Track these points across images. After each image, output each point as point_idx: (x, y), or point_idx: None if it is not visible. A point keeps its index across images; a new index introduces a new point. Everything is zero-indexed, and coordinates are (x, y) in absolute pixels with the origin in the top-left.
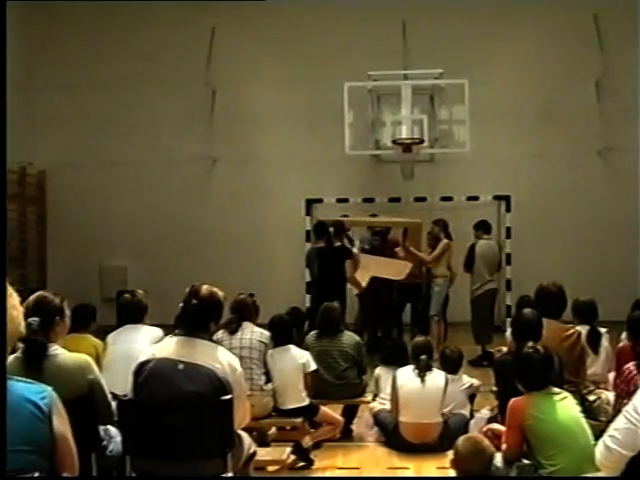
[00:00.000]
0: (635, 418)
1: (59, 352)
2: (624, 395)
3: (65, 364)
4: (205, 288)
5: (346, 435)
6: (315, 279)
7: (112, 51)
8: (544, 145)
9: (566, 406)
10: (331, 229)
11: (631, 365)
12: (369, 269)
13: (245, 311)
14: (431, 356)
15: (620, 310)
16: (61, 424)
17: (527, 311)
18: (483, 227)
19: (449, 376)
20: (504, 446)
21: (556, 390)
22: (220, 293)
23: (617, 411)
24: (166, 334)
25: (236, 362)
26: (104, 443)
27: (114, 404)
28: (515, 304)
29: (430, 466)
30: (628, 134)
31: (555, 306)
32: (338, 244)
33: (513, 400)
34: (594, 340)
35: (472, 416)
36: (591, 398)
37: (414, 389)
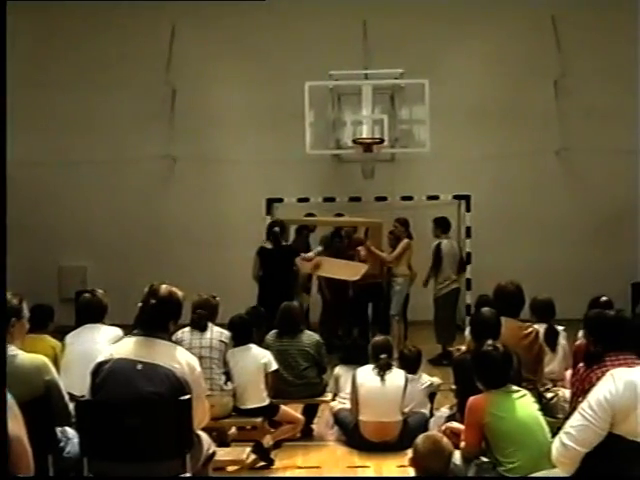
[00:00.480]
0: (590, 415)
1: (16, 353)
2: (579, 393)
3: (22, 365)
4: (164, 288)
5: (306, 434)
6: (259, 279)
7: (72, 50)
8: (503, 145)
9: (524, 404)
10: (276, 229)
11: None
12: (324, 270)
13: (208, 311)
14: (391, 355)
15: (579, 308)
16: (15, 426)
17: (485, 310)
18: (442, 225)
19: (409, 375)
20: (463, 444)
21: (514, 388)
22: (179, 293)
23: (573, 408)
24: (126, 334)
25: (195, 362)
26: (61, 444)
27: (72, 405)
28: (474, 303)
29: (390, 465)
30: (585, 134)
31: (513, 305)
32: (285, 244)
33: (472, 399)
34: (552, 338)
35: (432, 415)
36: (549, 395)
37: (374, 388)
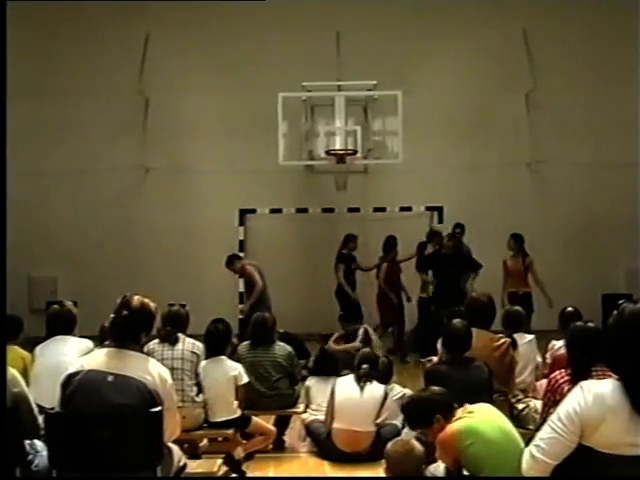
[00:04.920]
0: (559, 427)
1: None
2: (550, 404)
3: None
4: (136, 299)
5: (278, 446)
6: None
7: (43, 59)
8: (475, 157)
9: (491, 422)
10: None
11: (557, 374)
12: None
13: (179, 323)
14: (375, 367)
15: (550, 319)
16: None
17: (457, 322)
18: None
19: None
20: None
21: (472, 408)
22: (152, 304)
23: (543, 419)
24: (97, 346)
25: (167, 374)
26: (29, 457)
27: (41, 417)
28: (446, 315)
29: (362, 475)
30: (556, 147)
31: (485, 316)
32: None
33: (440, 436)
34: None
35: (404, 426)
36: (520, 406)
37: (352, 397)
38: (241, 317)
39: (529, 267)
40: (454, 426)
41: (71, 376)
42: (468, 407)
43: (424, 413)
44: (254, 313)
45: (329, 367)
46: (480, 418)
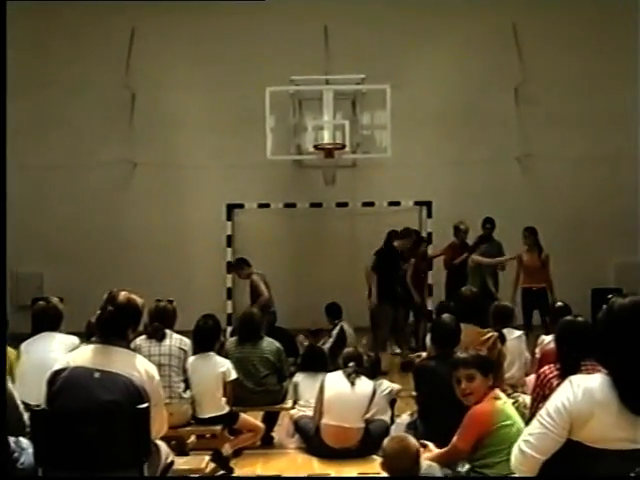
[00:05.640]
0: (548, 422)
1: None
2: (540, 399)
3: None
4: (123, 294)
5: (267, 442)
6: None
7: (28, 51)
8: (464, 151)
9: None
10: None
11: (546, 369)
12: None
13: (166, 318)
14: (360, 365)
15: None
16: None
17: (446, 316)
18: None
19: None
20: (452, 448)
21: (499, 394)
22: (138, 299)
23: (532, 414)
24: (83, 342)
25: (154, 370)
26: (15, 455)
27: (26, 415)
28: (435, 310)
29: (351, 471)
30: (546, 141)
31: (473, 311)
32: None
33: (480, 407)
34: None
35: (393, 421)
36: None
37: (342, 392)
38: (230, 312)
39: (546, 262)
40: (494, 404)
41: (57, 373)
42: (497, 392)
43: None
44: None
45: (317, 363)
46: (509, 405)
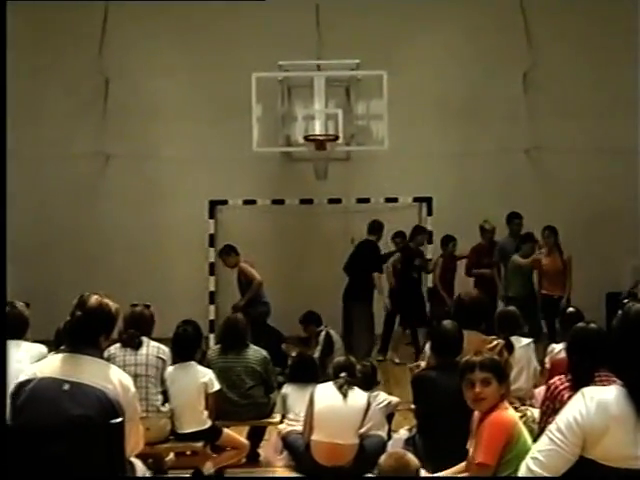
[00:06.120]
0: (558, 438)
1: None
2: (549, 413)
3: None
4: (94, 298)
5: (252, 460)
6: None
7: None
8: (468, 143)
9: None
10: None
11: (557, 380)
12: None
13: (142, 325)
14: (353, 375)
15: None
16: None
17: (446, 323)
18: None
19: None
20: (477, 468)
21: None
22: (111, 304)
23: (541, 429)
24: (51, 351)
25: (129, 381)
26: None
27: None
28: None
29: None
30: (557, 132)
31: (475, 317)
32: None
33: (503, 416)
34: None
35: (390, 437)
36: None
37: (333, 406)
38: (212, 318)
39: (567, 265)
40: (514, 414)
41: (22, 385)
42: (507, 403)
43: None
44: (250, 309)
45: (308, 373)
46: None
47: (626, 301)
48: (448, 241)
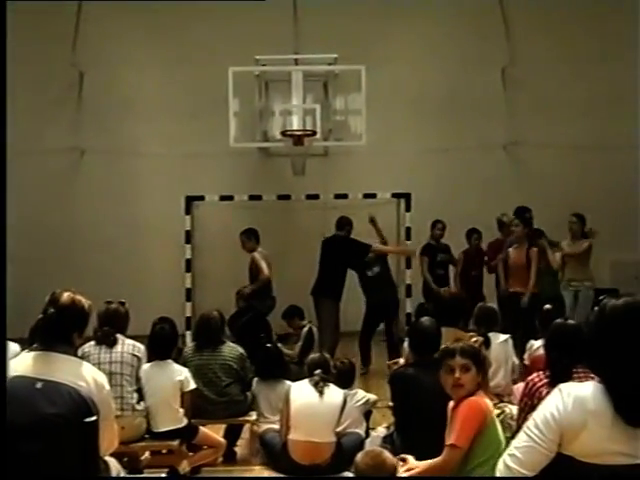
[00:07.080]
0: (536, 435)
1: None
2: (527, 409)
3: None
4: (66, 295)
5: (229, 458)
6: None
7: None
8: (447, 138)
9: None
10: None
11: (535, 376)
12: None
13: (117, 322)
14: (328, 372)
15: None
16: None
17: (425, 320)
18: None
19: (343, 391)
20: (449, 451)
21: None
22: (84, 301)
23: (519, 427)
24: (24, 349)
25: (103, 379)
26: None
27: None
28: (414, 312)
29: None
30: (536, 128)
31: (453, 313)
32: None
33: (474, 400)
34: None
35: (368, 435)
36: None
37: (310, 403)
38: (189, 316)
39: (532, 260)
40: (486, 400)
41: None
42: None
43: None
44: (253, 299)
45: (275, 369)
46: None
47: (602, 297)
48: (471, 234)
